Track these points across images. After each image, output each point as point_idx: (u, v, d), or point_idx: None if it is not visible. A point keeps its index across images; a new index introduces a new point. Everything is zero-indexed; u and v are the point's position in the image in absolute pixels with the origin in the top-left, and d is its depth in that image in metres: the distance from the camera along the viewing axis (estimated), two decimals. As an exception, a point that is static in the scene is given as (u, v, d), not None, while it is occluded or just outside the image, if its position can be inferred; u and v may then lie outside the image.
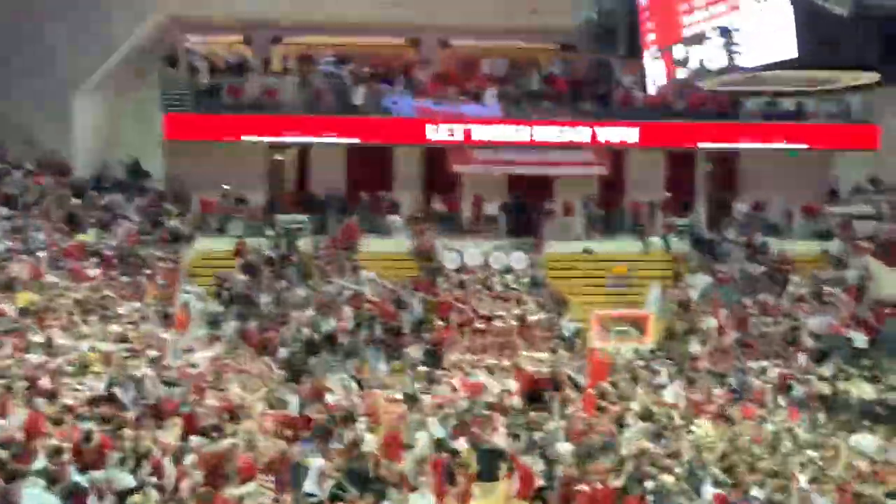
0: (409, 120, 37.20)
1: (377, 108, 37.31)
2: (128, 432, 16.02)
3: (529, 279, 35.34)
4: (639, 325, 31.79)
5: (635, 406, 24.57)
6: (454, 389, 26.48)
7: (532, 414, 23.93)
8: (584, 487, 17.60)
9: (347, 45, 39.56)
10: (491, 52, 40.38)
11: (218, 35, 39.31)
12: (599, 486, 17.48)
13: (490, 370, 28.49)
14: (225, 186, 37.02)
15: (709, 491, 17.38)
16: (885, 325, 33.42)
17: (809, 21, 15.94)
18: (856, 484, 18.56)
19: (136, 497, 13.83)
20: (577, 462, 19.62)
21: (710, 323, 33.03)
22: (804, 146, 38.12)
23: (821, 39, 16.38)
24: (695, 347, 31.81)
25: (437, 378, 27.06)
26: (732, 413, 24.53)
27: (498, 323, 32.26)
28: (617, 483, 17.66)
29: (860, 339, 32.73)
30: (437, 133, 36.90)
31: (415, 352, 30.10)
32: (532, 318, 32.92)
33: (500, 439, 22.56)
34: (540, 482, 19.58)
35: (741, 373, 29.71)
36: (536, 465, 19.94)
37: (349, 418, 23.00)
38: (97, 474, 14.57)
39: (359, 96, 37.48)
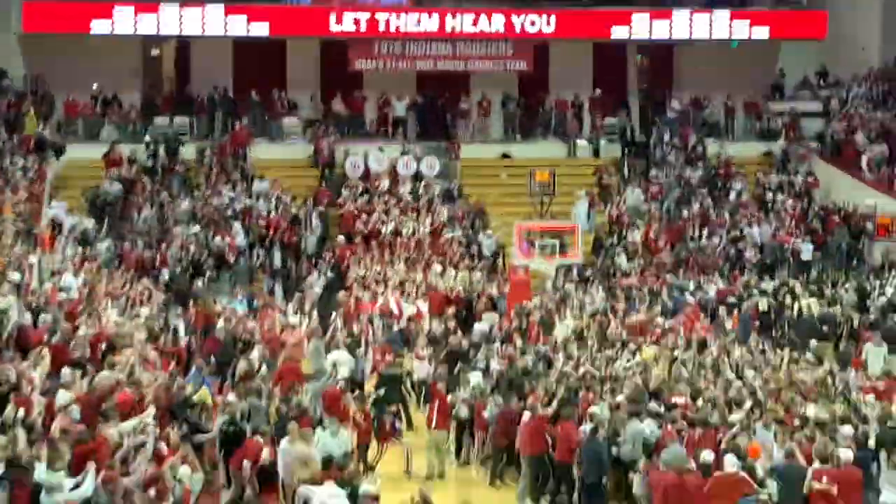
0: (306, 9, 36.81)
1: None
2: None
3: (442, 187, 35.31)
4: (565, 238, 31.84)
5: (564, 330, 24.92)
6: (355, 311, 26.71)
7: (451, 339, 24.24)
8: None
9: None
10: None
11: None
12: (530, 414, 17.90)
13: (400, 289, 28.65)
14: (94, 86, 36.26)
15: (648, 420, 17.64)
16: (833, 235, 33.94)
17: None
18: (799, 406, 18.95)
19: (1, 439, 13.61)
20: (506, 390, 19.95)
21: (638, 236, 33.41)
22: (746, 36, 38.27)
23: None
24: (624, 264, 32.17)
25: (340, 300, 27.22)
26: (668, 335, 24.87)
27: (407, 234, 32.32)
28: (549, 410, 18.01)
29: (806, 250, 33.27)
30: (337, 24, 36.46)
31: (315, 281, 30.12)
32: (445, 231, 33.01)
33: (423, 367, 22.99)
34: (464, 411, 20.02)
35: (677, 290, 30.10)
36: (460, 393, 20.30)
37: (245, 347, 23.06)
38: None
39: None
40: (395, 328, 26.16)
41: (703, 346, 23.34)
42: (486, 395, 20.24)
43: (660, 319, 26.17)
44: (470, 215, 34.07)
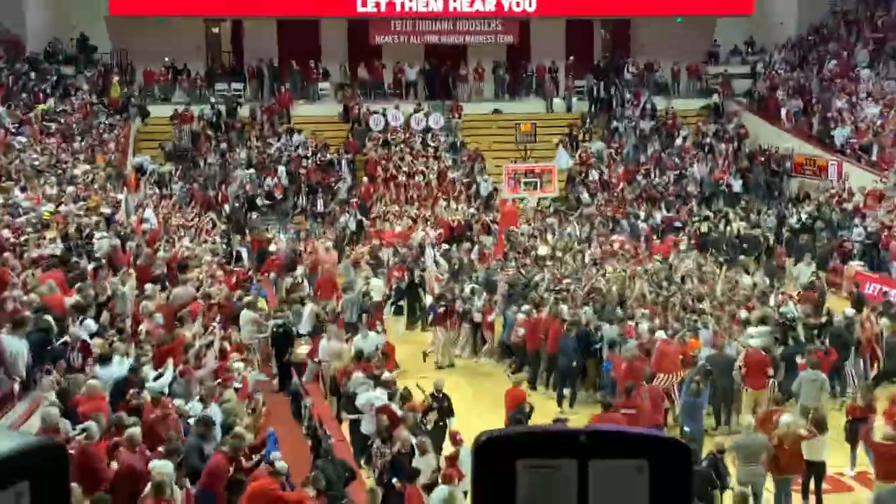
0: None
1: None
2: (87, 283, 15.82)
3: (447, 138, 35.20)
4: (544, 177, 31.80)
5: (544, 249, 25.03)
6: (379, 238, 26.76)
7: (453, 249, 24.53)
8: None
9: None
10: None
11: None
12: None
13: (413, 219, 28.70)
14: (166, 59, 36.07)
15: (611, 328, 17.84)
16: (755, 172, 33.88)
17: None
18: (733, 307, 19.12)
19: (98, 340, 13.71)
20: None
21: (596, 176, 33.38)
22: (688, 12, 37.89)
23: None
24: (585, 197, 32.13)
25: (365, 228, 27.33)
26: (624, 253, 25.00)
27: (419, 178, 32.29)
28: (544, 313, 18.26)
29: (737, 185, 33.25)
30: (361, 7, 36.14)
31: (343, 217, 30.11)
32: (449, 172, 32.98)
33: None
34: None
35: (632, 217, 30.13)
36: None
37: (290, 266, 23.20)
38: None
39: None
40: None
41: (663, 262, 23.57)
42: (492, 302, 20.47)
43: (627, 245, 26.37)
44: (470, 161, 33.95)
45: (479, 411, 16.26)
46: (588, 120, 36.73)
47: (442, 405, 14.76)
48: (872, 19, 37.69)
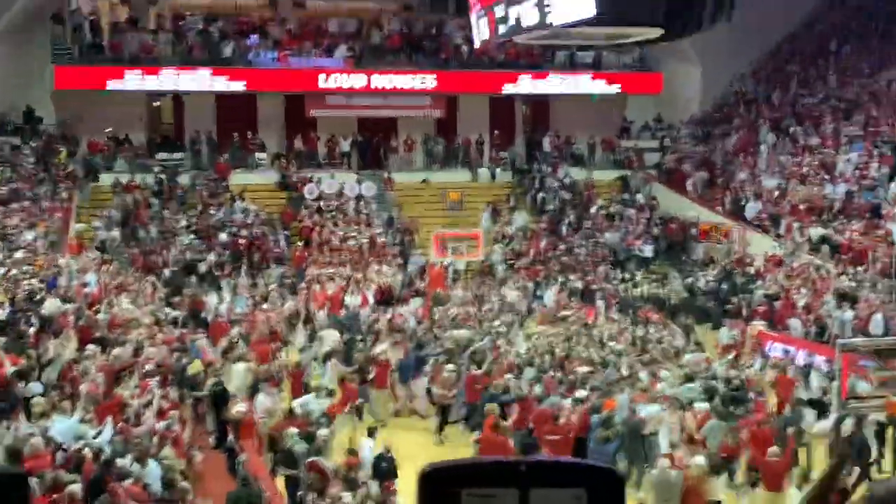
0: (271, 71, 36.48)
1: (242, 61, 36.44)
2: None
3: (378, 205, 35.23)
4: (471, 242, 31.95)
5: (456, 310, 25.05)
6: (313, 299, 26.53)
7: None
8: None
9: (215, 6, 38.55)
10: (340, 11, 39.76)
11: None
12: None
13: (345, 282, 28.54)
14: (108, 130, 35.71)
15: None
16: (667, 238, 34.40)
17: (605, -15, 16.14)
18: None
19: (41, 399, 13.36)
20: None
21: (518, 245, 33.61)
22: (602, 91, 38.67)
23: (615, 1, 16.63)
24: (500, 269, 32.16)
25: (297, 290, 27.11)
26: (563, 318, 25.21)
27: (352, 243, 32.22)
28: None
29: (648, 250, 33.68)
30: (296, 82, 36.30)
31: (276, 272, 29.88)
32: (380, 238, 32.97)
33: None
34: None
35: (554, 282, 30.33)
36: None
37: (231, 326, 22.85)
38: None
39: (227, 49, 36.55)
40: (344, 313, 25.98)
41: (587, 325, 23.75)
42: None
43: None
44: (403, 233, 33.96)
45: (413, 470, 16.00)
46: (510, 194, 36.89)
47: (383, 466, 14.49)
48: (769, 99, 38.77)
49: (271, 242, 32.37)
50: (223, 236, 31.74)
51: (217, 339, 21.84)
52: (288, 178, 35.53)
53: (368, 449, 14.96)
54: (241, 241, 31.78)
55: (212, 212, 33.09)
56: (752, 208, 32.55)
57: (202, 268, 30.04)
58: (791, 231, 30.28)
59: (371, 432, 15.87)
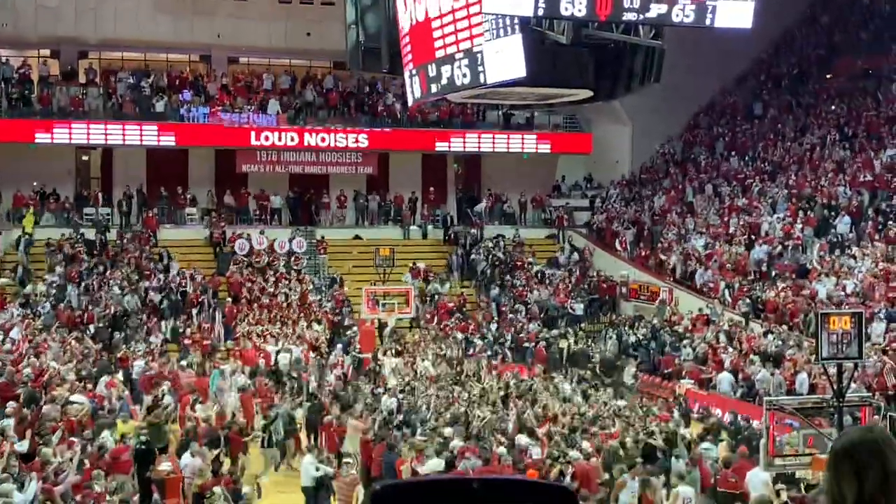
0: (202, 126, 36.38)
1: (174, 116, 36.30)
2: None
3: (309, 261, 35.10)
4: (401, 298, 31.89)
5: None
6: (241, 357, 26.24)
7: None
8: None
9: (147, 61, 38.47)
10: (273, 68, 39.89)
11: (29, 50, 37.43)
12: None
13: (275, 338, 28.28)
14: (34, 184, 35.15)
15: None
16: (597, 296, 34.73)
17: (536, 46, 16.51)
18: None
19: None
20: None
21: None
22: (534, 150, 39.20)
23: (545, 62, 16.98)
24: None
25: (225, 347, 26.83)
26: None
27: (281, 298, 31.98)
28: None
29: (578, 308, 33.90)
30: (227, 137, 36.25)
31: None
32: (311, 294, 32.79)
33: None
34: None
35: (479, 338, 30.39)
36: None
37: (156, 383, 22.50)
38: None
39: (158, 105, 36.38)
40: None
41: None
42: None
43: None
44: (329, 281, 33.88)
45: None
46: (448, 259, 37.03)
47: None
48: (696, 161, 39.62)
49: (201, 299, 31.91)
50: (152, 294, 31.29)
51: (148, 392, 21.47)
52: (217, 234, 35.26)
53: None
54: (171, 296, 31.37)
55: (146, 273, 32.58)
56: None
57: (130, 324, 29.53)
58: (718, 290, 30.77)
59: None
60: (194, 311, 31.12)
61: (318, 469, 16.18)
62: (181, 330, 30.11)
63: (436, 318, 32.79)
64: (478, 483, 1.56)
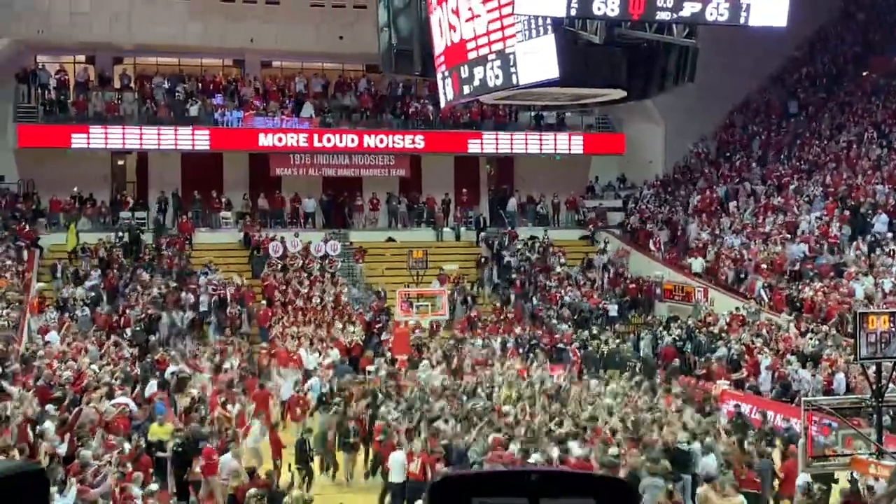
0: (236, 130, 36.61)
1: (208, 120, 36.55)
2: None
3: (343, 264, 35.21)
4: (435, 300, 31.92)
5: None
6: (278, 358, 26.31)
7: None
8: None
9: (181, 65, 38.79)
10: (306, 71, 40.08)
11: (65, 56, 37.85)
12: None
13: (310, 341, 28.35)
14: (74, 189, 35.52)
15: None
16: (631, 297, 34.56)
17: (568, 47, 16.45)
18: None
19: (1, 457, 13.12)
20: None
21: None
22: (566, 151, 39.12)
23: (578, 63, 16.92)
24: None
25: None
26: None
27: (315, 301, 32.08)
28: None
29: (613, 309, 33.76)
30: (262, 141, 36.44)
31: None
32: (345, 296, 32.87)
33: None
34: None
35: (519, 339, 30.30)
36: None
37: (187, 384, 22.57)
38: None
39: (192, 109, 36.66)
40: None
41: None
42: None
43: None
44: (364, 283, 33.94)
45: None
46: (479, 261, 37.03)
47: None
48: (731, 160, 39.36)
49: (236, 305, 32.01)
50: (187, 296, 31.48)
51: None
52: (252, 236, 35.45)
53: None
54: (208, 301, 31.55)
55: (174, 272, 32.80)
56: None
57: (164, 329, 29.72)
58: (754, 290, 30.53)
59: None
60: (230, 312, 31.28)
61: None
62: (217, 334, 30.30)
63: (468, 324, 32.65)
64: (536, 475, 1.57)
